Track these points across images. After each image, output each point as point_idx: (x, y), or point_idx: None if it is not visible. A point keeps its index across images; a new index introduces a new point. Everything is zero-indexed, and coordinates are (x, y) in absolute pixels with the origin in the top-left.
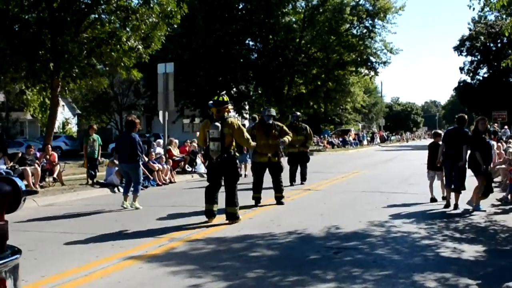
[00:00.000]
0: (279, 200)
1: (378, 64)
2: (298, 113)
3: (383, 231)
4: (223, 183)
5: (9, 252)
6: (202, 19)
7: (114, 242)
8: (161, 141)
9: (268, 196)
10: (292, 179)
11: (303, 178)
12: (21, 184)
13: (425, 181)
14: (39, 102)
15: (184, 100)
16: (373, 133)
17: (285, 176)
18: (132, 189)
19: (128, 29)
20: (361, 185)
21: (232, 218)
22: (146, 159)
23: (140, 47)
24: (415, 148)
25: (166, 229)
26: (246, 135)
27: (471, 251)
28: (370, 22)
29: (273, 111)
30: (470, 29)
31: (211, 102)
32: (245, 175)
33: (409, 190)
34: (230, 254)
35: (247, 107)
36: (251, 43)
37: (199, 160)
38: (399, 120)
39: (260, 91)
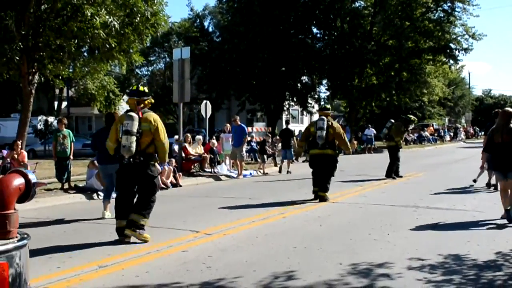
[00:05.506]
0: (321, 199)
1: (459, 51)
2: (412, 117)
3: None
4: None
5: (18, 238)
6: (260, 6)
7: None
8: (200, 137)
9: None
10: (393, 173)
11: (395, 173)
12: (33, 176)
13: (485, 193)
14: (104, 96)
15: (245, 94)
16: (456, 128)
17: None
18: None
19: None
20: (398, 195)
21: (134, 226)
22: None
23: (115, 23)
24: None
25: (51, 260)
26: (166, 138)
27: None
28: (449, 4)
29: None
30: None
31: (128, 91)
32: (288, 172)
33: (457, 205)
34: None
35: (310, 101)
36: (315, 30)
37: (228, 160)
38: (491, 114)
39: (328, 84)
